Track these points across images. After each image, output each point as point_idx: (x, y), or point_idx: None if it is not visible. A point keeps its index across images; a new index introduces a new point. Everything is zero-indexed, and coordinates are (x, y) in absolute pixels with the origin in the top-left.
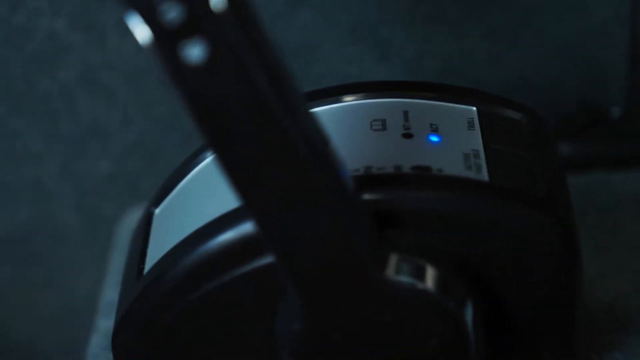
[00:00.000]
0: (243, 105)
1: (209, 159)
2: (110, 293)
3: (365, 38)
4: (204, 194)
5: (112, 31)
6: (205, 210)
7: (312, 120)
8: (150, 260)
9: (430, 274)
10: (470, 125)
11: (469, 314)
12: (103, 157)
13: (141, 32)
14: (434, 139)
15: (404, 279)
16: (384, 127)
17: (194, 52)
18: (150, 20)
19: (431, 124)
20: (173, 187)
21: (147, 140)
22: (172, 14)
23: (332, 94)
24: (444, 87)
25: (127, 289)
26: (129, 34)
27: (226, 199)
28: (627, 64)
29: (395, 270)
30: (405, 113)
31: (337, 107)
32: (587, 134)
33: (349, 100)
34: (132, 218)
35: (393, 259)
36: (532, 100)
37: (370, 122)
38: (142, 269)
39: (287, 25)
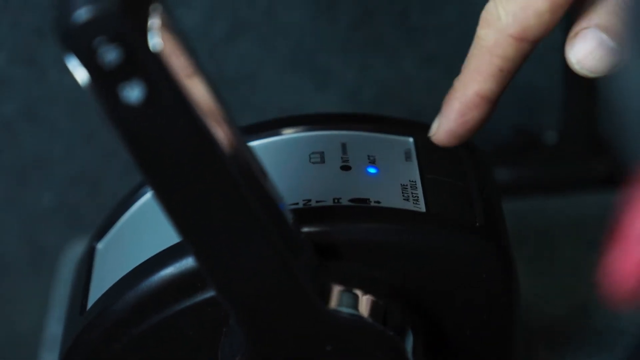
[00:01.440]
0: (182, 144)
1: (150, 193)
2: (54, 327)
3: (303, 66)
4: (145, 229)
5: (52, 65)
6: (147, 245)
7: (250, 154)
8: (94, 295)
9: (370, 304)
10: (408, 156)
11: (409, 342)
12: (46, 189)
13: (80, 73)
14: (372, 170)
15: (345, 309)
16: (322, 159)
17: (133, 92)
18: (89, 62)
19: (369, 156)
20: (115, 222)
21: (89, 171)
22: (111, 56)
23: (270, 127)
24: (381, 119)
25: (70, 324)
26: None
27: (168, 234)
28: (562, 89)
29: (336, 302)
30: (344, 145)
31: (275, 140)
32: (523, 159)
33: (288, 133)
34: (75, 250)
35: (334, 290)
36: None
37: (309, 155)
38: (86, 304)
39: (226, 54)
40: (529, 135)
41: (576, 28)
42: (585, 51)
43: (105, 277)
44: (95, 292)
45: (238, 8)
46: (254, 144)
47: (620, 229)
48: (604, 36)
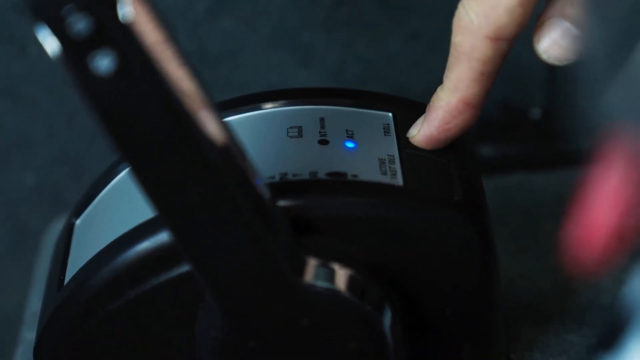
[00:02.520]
0: (153, 116)
1: (127, 169)
2: (35, 304)
3: (286, 44)
4: (122, 204)
5: (33, 42)
6: (124, 220)
7: (226, 129)
8: (71, 271)
9: (347, 279)
10: (386, 131)
11: (386, 318)
12: (28, 169)
13: (50, 43)
14: (350, 145)
15: (321, 283)
16: (300, 134)
17: (103, 63)
18: (58, 32)
19: (347, 130)
20: (93, 198)
21: (72, 151)
22: (80, 25)
23: (249, 101)
24: (360, 94)
25: (48, 300)
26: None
27: (144, 209)
28: (546, 66)
29: (313, 276)
30: (322, 120)
31: (254, 114)
32: (508, 135)
33: (267, 108)
34: (58, 229)
35: (310, 265)
36: None
37: (287, 130)
38: (63, 279)
39: (208, 32)
40: (514, 111)
41: (542, 18)
42: (551, 40)
43: (82, 253)
44: (73, 268)
45: None
46: (232, 118)
47: (588, 198)
48: (569, 25)
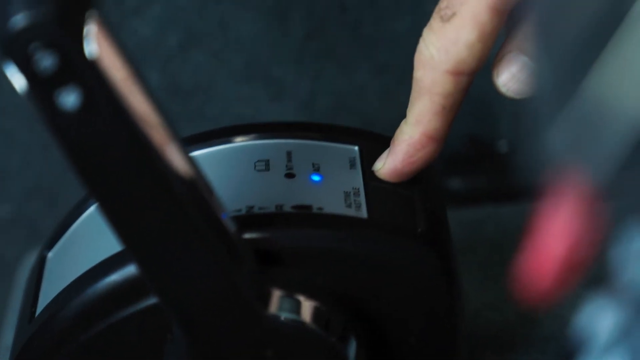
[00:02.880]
0: (118, 150)
1: None
2: (9, 336)
3: (257, 77)
4: (93, 237)
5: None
6: (95, 253)
7: (191, 162)
8: (42, 303)
9: (312, 310)
10: (352, 164)
11: (351, 348)
12: (3, 200)
13: (18, 80)
14: (316, 178)
15: (286, 314)
16: (267, 167)
17: (69, 98)
18: (25, 69)
19: (313, 164)
20: (65, 230)
21: (47, 183)
22: (47, 62)
23: (218, 135)
24: (327, 127)
25: (20, 332)
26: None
27: (114, 241)
28: (512, 99)
29: (277, 307)
30: (289, 153)
31: (223, 148)
32: (475, 168)
33: (235, 142)
34: (33, 261)
35: (275, 296)
36: None
37: (255, 163)
38: (34, 311)
39: (181, 67)
40: (482, 144)
41: (501, 52)
42: (510, 74)
43: (54, 285)
44: (44, 300)
45: (191, 20)
46: (202, 152)
47: (535, 236)
48: (526, 59)
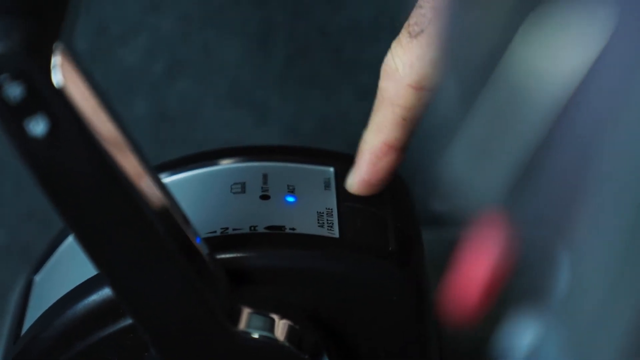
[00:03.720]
0: (88, 176)
1: None
2: None
3: (242, 102)
4: (77, 260)
5: None
6: (78, 275)
7: (161, 187)
8: (27, 325)
9: (283, 327)
10: (327, 185)
11: None
12: None
13: None
14: (290, 199)
15: (259, 332)
16: (243, 190)
17: (38, 126)
18: None
19: (288, 186)
20: (51, 254)
21: (39, 209)
22: (15, 92)
23: (198, 159)
24: (303, 150)
25: (6, 353)
26: None
27: None
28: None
29: (247, 324)
30: (265, 176)
31: (201, 172)
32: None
33: (213, 165)
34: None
35: (246, 313)
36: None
37: (231, 186)
38: (20, 332)
39: (166, 93)
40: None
41: None
42: None
43: (38, 307)
44: (29, 322)
45: (175, 48)
46: (180, 176)
47: (461, 256)
48: None
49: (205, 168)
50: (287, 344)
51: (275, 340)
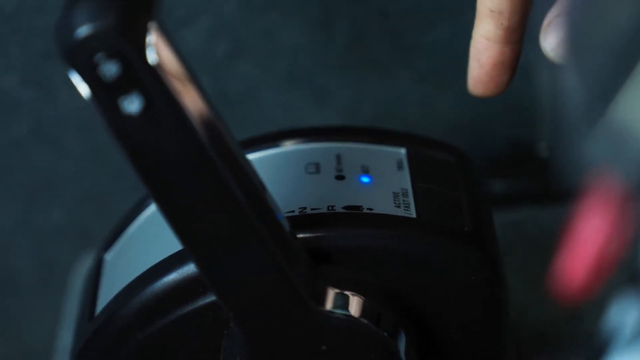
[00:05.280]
0: (180, 153)
1: (154, 204)
2: (66, 337)
3: (301, 85)
4: (150, 238)
5: (61, 86)
6: (152, 254)
7: (248, 165)
8: (102, 303)
9: (364, 306)
10: (400, 166)
11: (401, 344)
12: (56, 207)
13: (82, 88)
14: (365, 179)
15: (339, 311)
16: (317, 170)
17: (132, 105)
18: (89, 77)
19: (362, 166)
20: (121, 233)
21: (98, 190)
22: (110, 70)
23: (269, 140)
24: (374, 131)
25: (80, 331)
26: (78, 89)
27: (171, 242)
28: (552, 103)
29: (331, 303)
30: (338, 156)
31: (274, 152)
32: (516, 171)
33: (286, 146)
34: (85, 265)
35: (328, 293)
36: (463, 140)
37: (305, 166)
38: (94, 311)
39: (228, 75)
40: (522, 148)
41: (549, 17)
42: (557, 39)
43: (112, 285)
44: (103, 300)
45: (237, 30)
46: (253, 156)
47: (570, 234)
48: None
49: (278, 149)
50: (367, 322)
51: (356, 318)
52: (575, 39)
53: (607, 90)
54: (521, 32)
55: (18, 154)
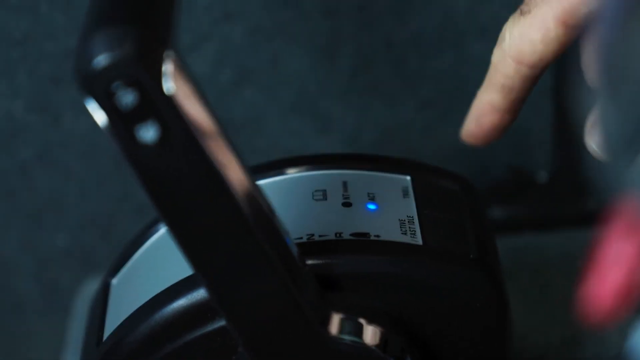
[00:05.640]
0: (195, 181)
1: (162, 230)
2: None
3: (306, 111)
4: (158, 264)
5: (67, 111)
6: (160, 279)
7: (259, 192)
8: (109, 327)
9: (371, 332)
10: (405, 193)
11: None
12: (60, 230)
13: (99, 115)
14: (372, 207)
15: (347, 336)
16: (324, 197)
17: (148, 133)
18: (107, 105)
19: (369, 193)
20: (129, 258)
21: (102, 214)
22: (127, 99)
23: (276, 167)
24: (380, 158)
25: (87, 355)
26: (82, 114)
27: (179, 268)
28: (552, 132)
29: (339, 329)
30: (345, 183)
31: (281, 179)
32: (516, 197)
33: (292, 173)
34: (88, 289)
35: (336, 319)
36: (464, 167)
37: (312, 193)
38: (102, 335)
39: (233, 101)
40: (523, 175)
41: (592, 117)
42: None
43: (120, 310)
44: (111, 324)
45: (243, 57)
46: (261, 182)
47: (597, 257)
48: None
49: (285, 175)
50: (374, 348)
51: (364, 344)
52: (610, 73)
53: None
54: (524, 102)
55: (23, 177)
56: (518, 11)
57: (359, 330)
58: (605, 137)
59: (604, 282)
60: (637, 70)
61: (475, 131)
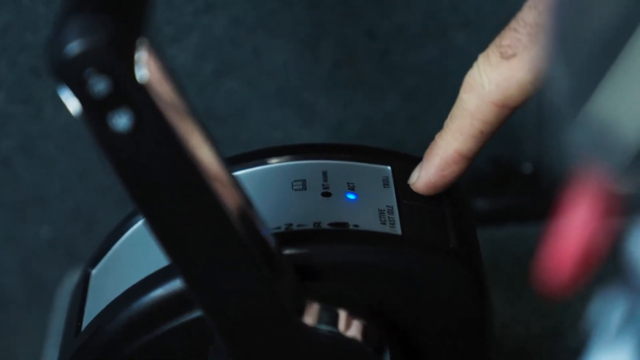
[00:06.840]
0: (168, 169)
1: (141, 221)
2: (52, 353)
3: (289, 103)
4: (137, 254)
5: (48, 103)
6: (139, 269)
7: (235, 181)
8: (88, 318)
9: (349, 321)
10: (385, 183)
11: (386, 358)
12: (43, 223)
13: (71, 103)
14: (351, 196)
15: (324, 326)
16: (304, 187)
17: (121, 121)
18: (79, 93)
19: (348, 183)
20: (108, 249)
21: (85, 206)
22: (100, 86)
23: (256, 157)
24: (361, 149)
25: (66, 346)
26: (64, 105)
27: (157, 259)
28: (537, 123)
29: (315, 319)
30: (324, 173)
31: (261, 169)
32: (501, 189)
33: (272, 163)
34: (71, 281)
35: (314, 309)
36: None
37: (292, 183)
38: (80, 326)
39: (215, 93)
40: (507, 166)
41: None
42: None
43: (98, 301)
44: (89, 315)
45: (226, 49)
46: (240, 173)
47: (555, 229)
48: None
49: (265, 165)
50: (352, 337)
51: (342, 334)
52: (561, 30)
53: (591, 81)
54: None
55: (5, 169)
56: (496, 54)
57: (336, 320)
58: (553, 93)
59: (562, 250)
60: (586, 24)
61: (437, 182)
